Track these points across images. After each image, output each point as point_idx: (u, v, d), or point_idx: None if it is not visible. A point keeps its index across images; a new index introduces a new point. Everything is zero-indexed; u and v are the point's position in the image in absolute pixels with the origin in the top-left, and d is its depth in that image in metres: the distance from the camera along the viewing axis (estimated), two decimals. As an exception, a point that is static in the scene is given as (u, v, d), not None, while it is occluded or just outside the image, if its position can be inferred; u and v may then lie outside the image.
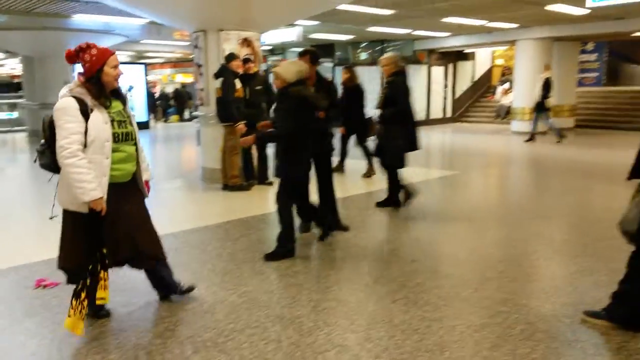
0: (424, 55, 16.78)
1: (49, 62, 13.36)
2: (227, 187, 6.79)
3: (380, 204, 5.76)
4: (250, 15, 7.30)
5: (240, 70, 6.68)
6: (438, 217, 5.52)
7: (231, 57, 6.58)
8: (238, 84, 6.54)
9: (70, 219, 2.76)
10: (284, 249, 4.08)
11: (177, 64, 26.40)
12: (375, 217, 5.48)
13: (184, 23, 8.09)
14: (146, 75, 17.83)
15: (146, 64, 18.49)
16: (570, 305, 3.15)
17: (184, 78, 25.48)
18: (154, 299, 3.27)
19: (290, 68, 3.95)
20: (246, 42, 7.52)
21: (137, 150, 2.88)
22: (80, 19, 11.16)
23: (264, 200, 6.25)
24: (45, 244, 3.90)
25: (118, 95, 2.81)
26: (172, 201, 6.57)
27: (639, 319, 2.78)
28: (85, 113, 2.60)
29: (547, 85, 11.46)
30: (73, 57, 2.71)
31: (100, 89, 2.67)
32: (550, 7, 9.92)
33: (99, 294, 2.77)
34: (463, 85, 18.63)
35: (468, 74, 18.89)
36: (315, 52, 4.61)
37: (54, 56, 13.33)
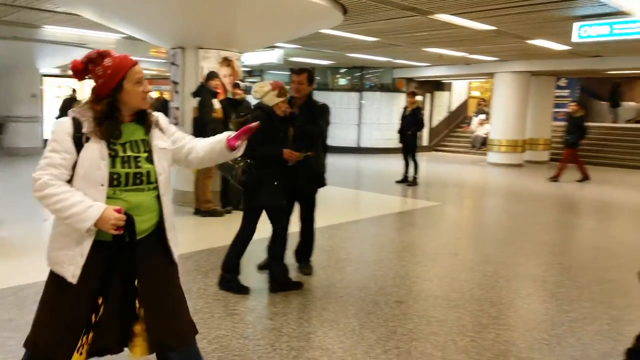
0: (403, 83, 16.83)
1: (14, 72, 13.03)
2: (199, 211, 6.39)
3: None
4: (232, 34, 7.04)
5: (219, 90, 6.37)
6: (422, 252, 5.25)
7: (211, 75, 6.28)
8: (216, 104, 6.21)
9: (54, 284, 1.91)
10: None
11: (152, 81, 25.91)
12: (357, 251, 5.17)
13: (162, 39, 7.77)
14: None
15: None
16: (577, 359, 2.89)
17: (156, 95, 24.99)
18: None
19: None
20: (226, 61, 7.24)
21: (159, 198, 2.02)
22: (52, 31, 10.65)
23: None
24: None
25: (142, 119, 2.00)
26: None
27: None
28: (79, 141, 1.86)
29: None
30: (81, 72, 1.94)
31: (111, 114, 1.89)
32: (532, 42, 9.98)
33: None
34: (439, 115, 18.76)
35: (445, 104, 19.03)
36: (312, 71, 4.30)
37: (23, 67, 13.03)
